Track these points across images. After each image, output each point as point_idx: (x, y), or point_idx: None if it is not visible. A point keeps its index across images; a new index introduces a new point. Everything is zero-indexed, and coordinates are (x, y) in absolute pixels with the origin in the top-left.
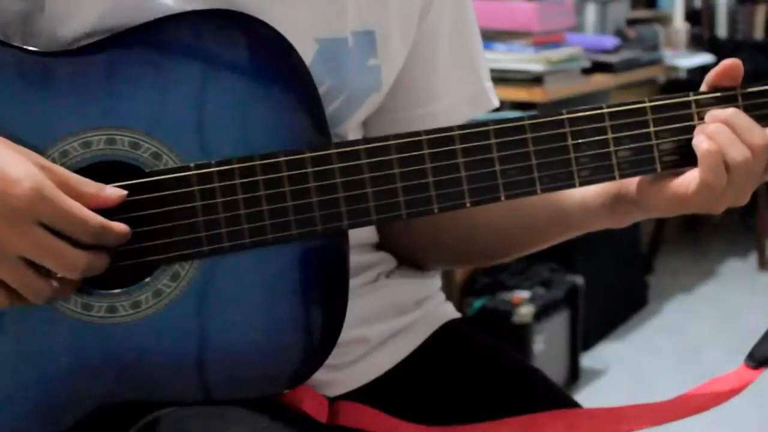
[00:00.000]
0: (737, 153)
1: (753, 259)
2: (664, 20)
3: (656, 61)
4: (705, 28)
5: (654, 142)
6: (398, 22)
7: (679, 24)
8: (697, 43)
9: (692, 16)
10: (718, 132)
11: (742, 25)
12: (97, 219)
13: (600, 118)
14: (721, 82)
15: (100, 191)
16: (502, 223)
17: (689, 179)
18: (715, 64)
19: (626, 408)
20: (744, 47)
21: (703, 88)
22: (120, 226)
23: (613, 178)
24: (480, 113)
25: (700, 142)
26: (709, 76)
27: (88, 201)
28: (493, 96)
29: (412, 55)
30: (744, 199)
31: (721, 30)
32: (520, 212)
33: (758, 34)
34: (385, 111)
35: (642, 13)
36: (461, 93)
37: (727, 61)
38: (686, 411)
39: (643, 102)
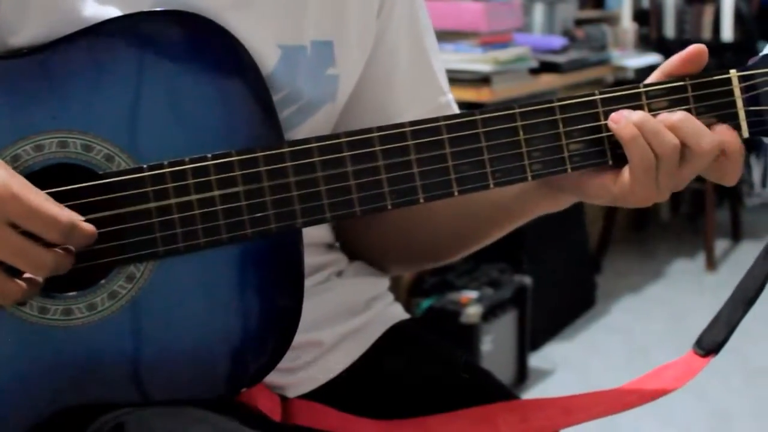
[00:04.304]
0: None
1: (701, 259)
2: (612, 20)
3: (604, 62)
4: (653, 28)
5: (605, 134)
6: (356, 34)
7: (627, 24)
8: (645, 43)
9: (640, 16)
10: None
11: (690, 26)
12: (68, 215)
13: (551, 111)
14: (684, 69)
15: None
16: (452, 217)
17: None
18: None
19: (577, 398)
20: None
21: (657, 75)
22: (88, 226)
23: (565, 171)
24: None
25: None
26: (668, 66)
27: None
28: (455, 108)
29: (369, 72)
30: (682, 186)
31: (669, 30)
32: (467, 206)
33: (706, 34)
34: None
35: (590, 13)
36: (424, 108)
37: (695, 47)
38: (637, 400)
39: (594, 94)
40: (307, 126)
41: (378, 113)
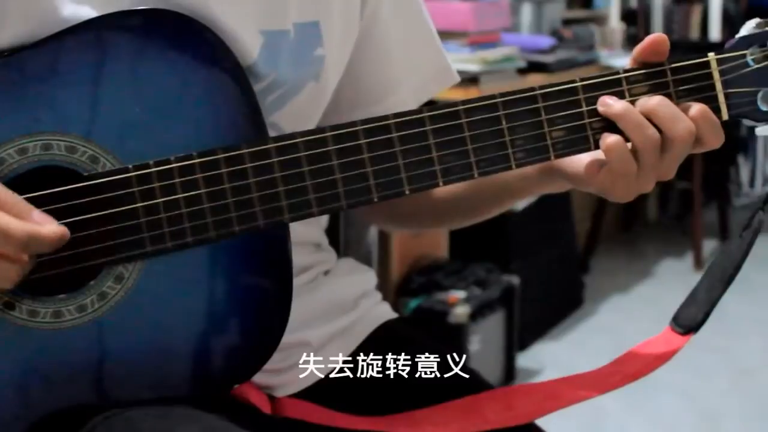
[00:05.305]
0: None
1: (689, 259)
2: (600, 20)
3: (592, 61)
4: (641, 28)
5: (587, 120)
6: (341, 12)
7: (615, 24)
8: (633, 43)
9: (628, 16)
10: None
11: (678, 25)
12: (22, 228)
13: (533, 99)
14: (648, 59)
15: (23, 214)
16: (458, 190)
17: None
18: None
19: (561, 382)
20: (680, 47)
21: (629, 64)
22: (50, 230)
23: (548, 158)
24: (446, 87)
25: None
26: (636, 53)
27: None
28: (454, 70)
29: (361, 51)
30: (669, 175)
31: (657, 30)
32: (475, 186)
33: (694, 33)
34: (346, 110)
35: (578, 13)
36: (425, 73)
37: (654, 36)
38: (621, 380)
39: (575, 81)
40: (290, 107)
41: (379, 85)
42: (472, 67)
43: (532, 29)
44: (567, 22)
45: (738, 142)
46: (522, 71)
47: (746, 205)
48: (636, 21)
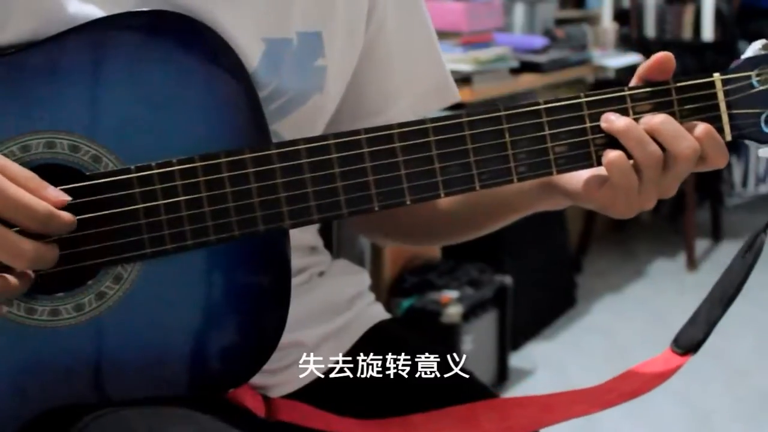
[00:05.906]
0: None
1: (681, 259)
2: (593, 20)
3: (584, 61)
4: (633, 27)
5: (590, 137)
6: (344, 23)
7: (608, 24)
8: (625, 42)
9: (621, 15)
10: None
11: (671, 25)
12: (43, 205)
13: (537, 114)
14: (653, 77)
15: (40, 189)
16: (456, 204)
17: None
18: None
19: (557, 397)
20: (672, 47)
21: (634, 81)
22: (66, 215)
23: (550, 174)
24: (445, 105)
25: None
26: (641, 71)
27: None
28: (455, 88)
29: (365, 62)
30: (670, 193)
31: (650, 30)
32: (474, 200)
33: (686, 33)
34: (348, 120)
35: (570, 13)
36: (425, 85)
37: (660, 55)
38: (617, 398)
39: (579, 97)
40: (293, 117)
41: (380, 96)
42: (465, 67)
43: (524, 29)
44: (559, 22)
45: (731, 143)
46: (515, 71)
47: (739, 205)
48: (629, 21)
